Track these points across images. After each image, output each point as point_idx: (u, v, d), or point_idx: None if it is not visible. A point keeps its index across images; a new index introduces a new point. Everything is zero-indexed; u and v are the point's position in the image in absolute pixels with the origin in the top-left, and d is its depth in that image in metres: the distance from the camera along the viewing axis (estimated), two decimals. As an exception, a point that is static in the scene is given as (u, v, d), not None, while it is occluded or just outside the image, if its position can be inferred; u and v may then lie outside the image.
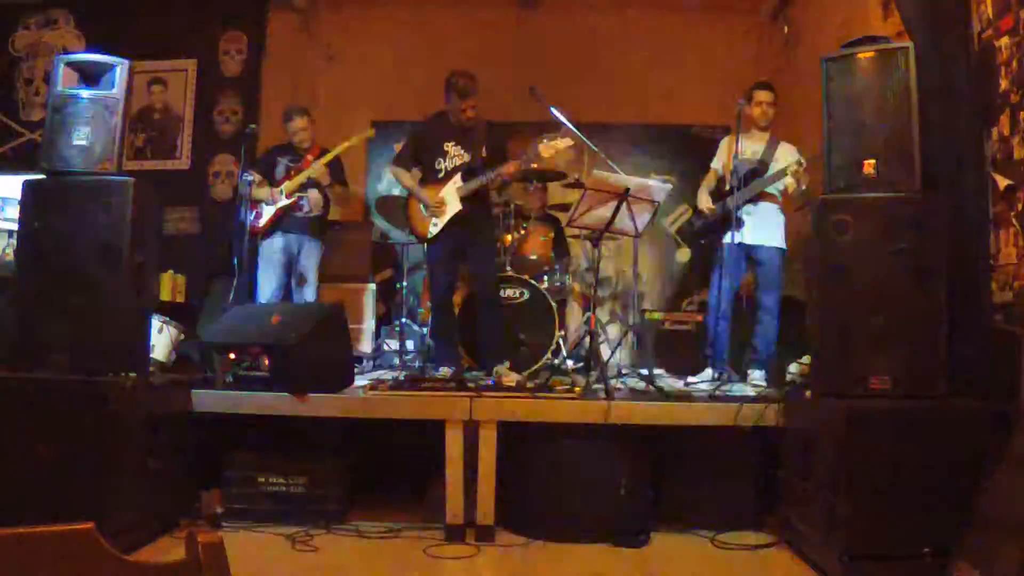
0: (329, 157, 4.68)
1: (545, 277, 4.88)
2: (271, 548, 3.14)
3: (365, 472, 3.75)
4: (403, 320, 5.21)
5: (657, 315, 5.34)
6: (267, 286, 4.69)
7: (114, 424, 2.94)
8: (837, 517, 2.74)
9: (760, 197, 4.21)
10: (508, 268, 4.78)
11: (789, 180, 4.06)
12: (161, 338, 4.10)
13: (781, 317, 4.21)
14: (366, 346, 5.28)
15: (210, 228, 5.96)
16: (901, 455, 2.74)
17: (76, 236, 3.11)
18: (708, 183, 4.51)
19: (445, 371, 4.23)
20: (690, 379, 4.28)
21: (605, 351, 4.28)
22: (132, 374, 3.12)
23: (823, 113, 3.12)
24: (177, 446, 3.37)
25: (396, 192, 5.70)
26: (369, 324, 5.34)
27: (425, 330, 4.90)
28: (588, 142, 4.50)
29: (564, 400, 3.45)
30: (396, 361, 5.04)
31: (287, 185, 4.67)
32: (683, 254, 5.96)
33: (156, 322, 3.98)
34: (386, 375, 4.40)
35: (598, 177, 3.87)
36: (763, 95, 4.27)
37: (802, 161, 4.02)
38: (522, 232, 4.94)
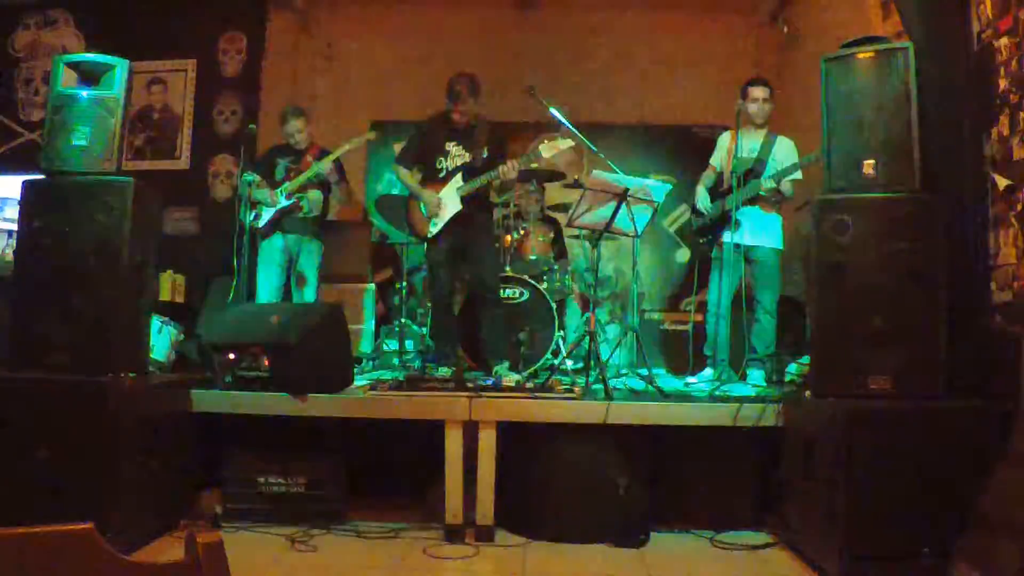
0: (330, 159, 4.68)
1: (545, 277, 4.88)
2: (271, 548, 3.14)
3: (365, 472, 3.74)
4: (403, 320, 5.21)
5: (657, 315, 5.35)
6: (267, 286, 4.68)
7: (114, 424, 2.93)
8: (837, 517, 2.74)
9: (756, 198, 4.22)
10: (508, 268, 4.78)
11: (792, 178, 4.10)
12: (161, 338, 4.09)
13: (780, 317, 4.21)
14: (366, 346, 5.28)
15: (210, 228, 5.96)
16: (901, 455, 2.74)
17: (76, 236, 3.11)
18: (706, 179, 4.51)
19: (445, 371, 4.22)
20: (690, 379, 4.28)
21: (605, 351, 4.27)
22: (132, 374, 3.12)
23: (823, 113, 3.12)
24: (177, 446, 3.37)
25: (396, 192, 5.70)
26: (369, 324, 5.34)
27: (425, 330, 4.90)
28: (587, 142, 4.50)
29: (564, 400, 3.45)
30: (396, 361, 5.04)
31: (287, 186, 4.66)
32: (683, 254, 5.97)
33: (156, 322, 3.97)
34: (386, 375, 4.40)
35: (597, 177, 3.87)
36: (758, 91, 4.27)
37: (796, 163, 4.06)
38: (522, 232, 4.95)
